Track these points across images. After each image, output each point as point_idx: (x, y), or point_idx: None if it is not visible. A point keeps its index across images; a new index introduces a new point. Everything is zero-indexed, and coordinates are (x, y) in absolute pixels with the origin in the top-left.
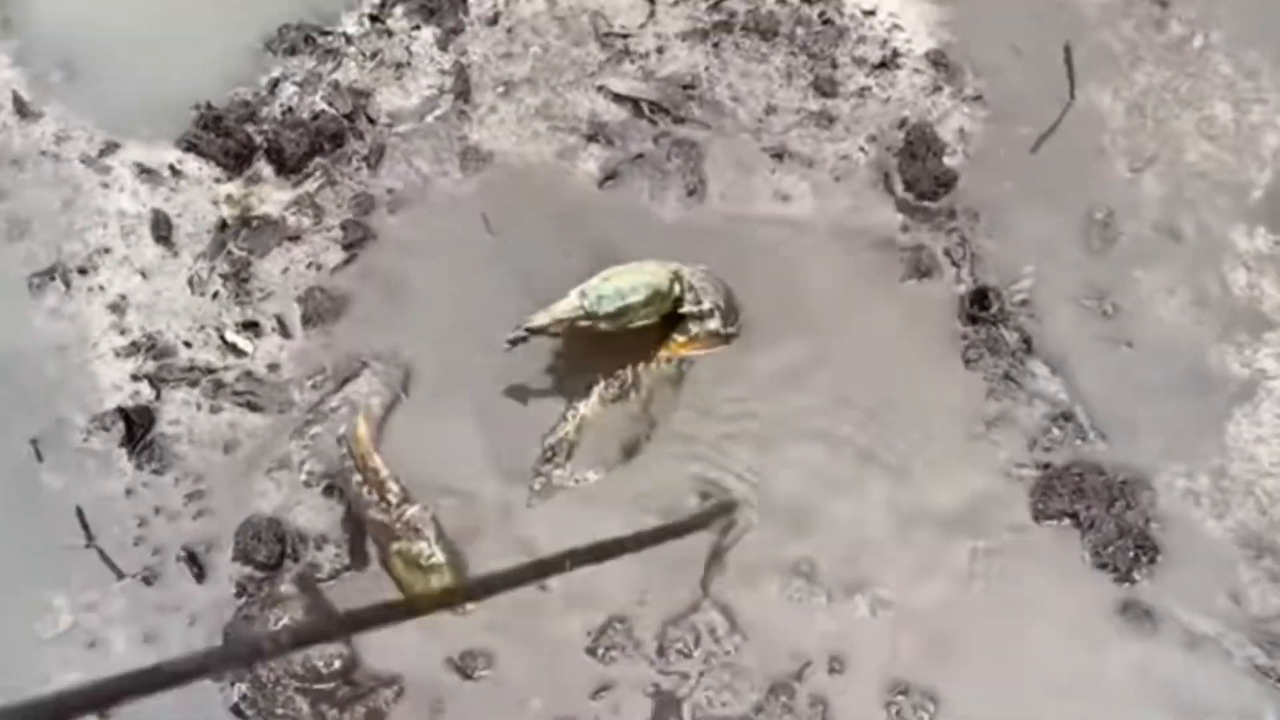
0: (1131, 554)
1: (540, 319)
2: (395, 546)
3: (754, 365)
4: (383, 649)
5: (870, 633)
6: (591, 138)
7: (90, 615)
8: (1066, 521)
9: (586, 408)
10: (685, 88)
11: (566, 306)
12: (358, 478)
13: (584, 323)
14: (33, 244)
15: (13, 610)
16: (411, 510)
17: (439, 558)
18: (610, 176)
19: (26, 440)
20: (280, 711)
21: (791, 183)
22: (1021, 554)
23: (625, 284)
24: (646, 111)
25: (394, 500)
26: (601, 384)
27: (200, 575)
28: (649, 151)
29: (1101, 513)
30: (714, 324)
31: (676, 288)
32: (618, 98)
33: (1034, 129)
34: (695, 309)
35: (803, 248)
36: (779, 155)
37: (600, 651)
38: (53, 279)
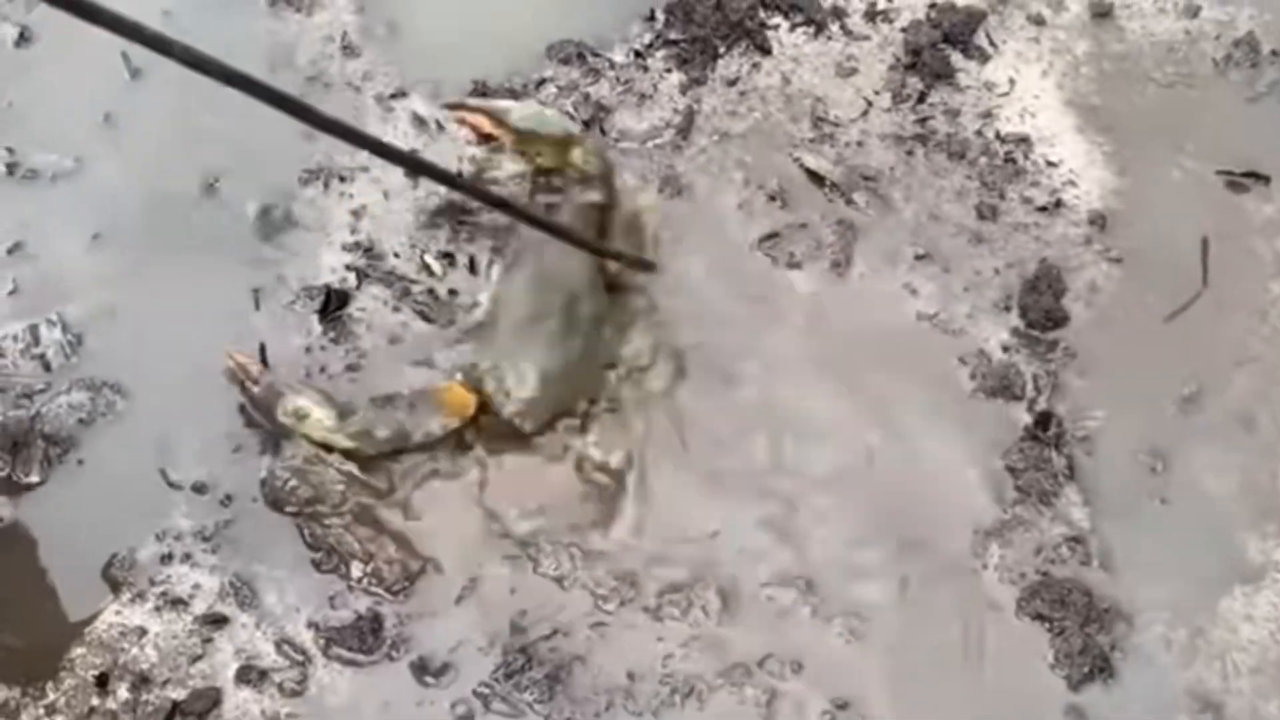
0: (1087, 669)
1: (474, 103)
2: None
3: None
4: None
5: (837, 652)
6: (771, 198)
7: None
8: (1042, 623)
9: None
10: (866, 179)
11: (498, 106)
12: None
13: (496, 128)
14: (314, 148)
15: (191, 409)
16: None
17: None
18: (773, 235)
19: (250, 288)
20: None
21: (923, 280)
22: (995, 634)
23: (550, 115)
24: (825, 188)
25: None
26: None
27: None
28: (813, 222)
29: (1075, 627)
30: (594, 195)
31: (578, 148)
32: (808, 172)
33: (1161, 300)
34: (583, 169)
35: (904, 330)
36: (923, 256)
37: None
38: (317, 178)
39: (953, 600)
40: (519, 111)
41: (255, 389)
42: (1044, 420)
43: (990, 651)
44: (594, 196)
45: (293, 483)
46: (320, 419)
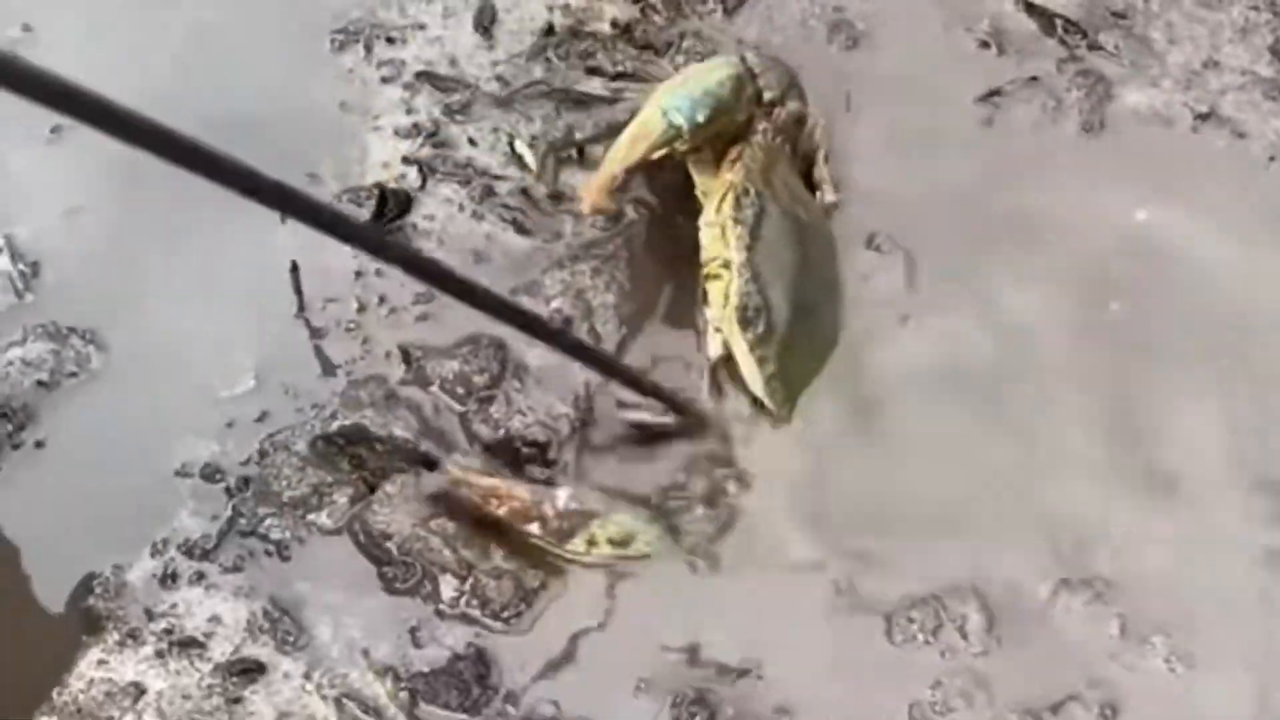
0: None
1: (619, 156)
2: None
3: None
4: None
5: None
6: (984, 44)
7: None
8: None
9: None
10: (1115, 14)
11: (652, 131)
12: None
13: (661, 151)
14: (351, 1)
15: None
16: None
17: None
18: (994, 93)
19: None
20: None
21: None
22: None
23: (709, 81)
24: (1060, 30)
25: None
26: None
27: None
28: (1047, 76)
29: None
30: (795, 105)
31: (748, 77)
32: (1030, 7)
33: None
34: (774, 93)
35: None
36: (1205, 116)
37: None
38: (357, 40)
39: None
40: (678, 103)
41: (537, 525)
42: None
43: None
44: (793, 109)
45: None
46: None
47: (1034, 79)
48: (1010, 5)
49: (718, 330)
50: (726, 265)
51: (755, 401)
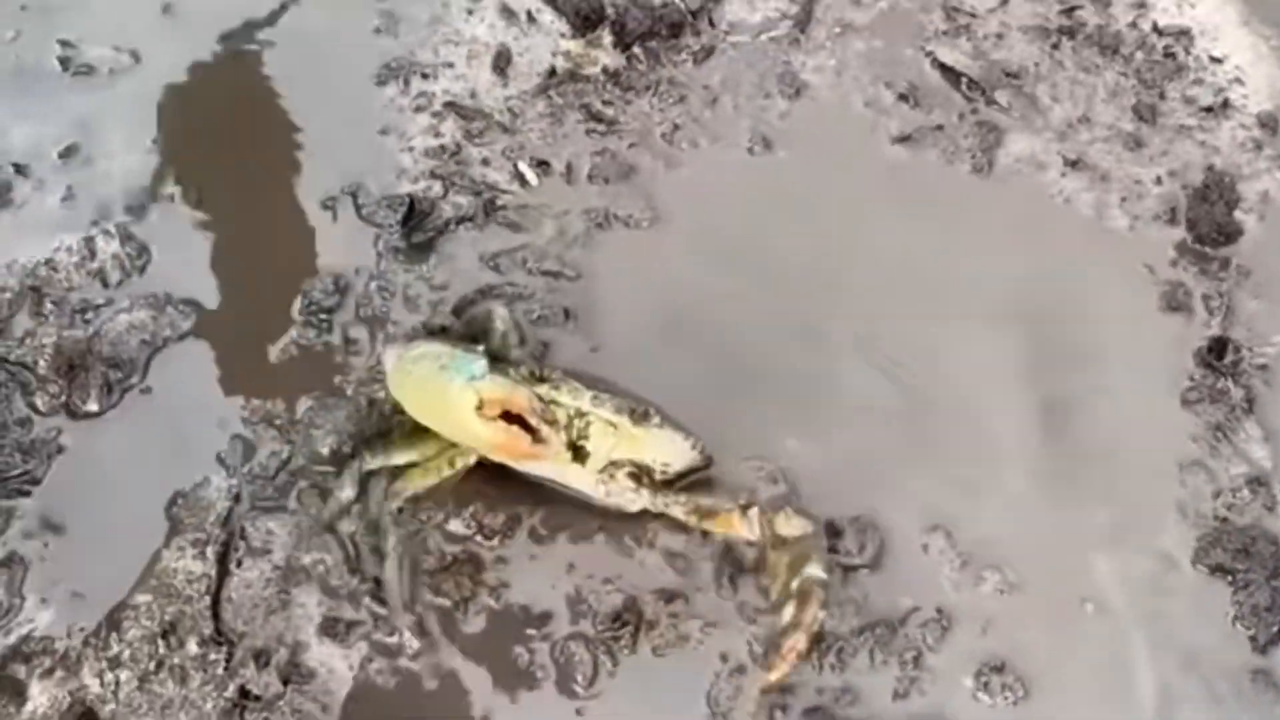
0: (1276, 628)
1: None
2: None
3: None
4: None
5: (988, 607)
6: (903, 97)
7: None
8: (1222, 576)
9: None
10: (1009, 75)
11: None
12: None
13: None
14: (394, 43)
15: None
16: None
17: None
18: (905, 138)
19: (324, 197)
20: None
21: (1077, 190)
22: (1167, 588)
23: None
24: (964, 87)
25: None
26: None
27: None
28: (950, 125)
29: (1260, 579)
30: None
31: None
32: (942, 67)
33: None
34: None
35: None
36: (1074, 163)
37: None
38: (398, 76)
39: (1117, 555)
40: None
41: None
42: (1220, 347)
43: (1159, 612)
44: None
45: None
46: None
47: (939, 127)
48: (926, 65)
49: None
50: None
51: None
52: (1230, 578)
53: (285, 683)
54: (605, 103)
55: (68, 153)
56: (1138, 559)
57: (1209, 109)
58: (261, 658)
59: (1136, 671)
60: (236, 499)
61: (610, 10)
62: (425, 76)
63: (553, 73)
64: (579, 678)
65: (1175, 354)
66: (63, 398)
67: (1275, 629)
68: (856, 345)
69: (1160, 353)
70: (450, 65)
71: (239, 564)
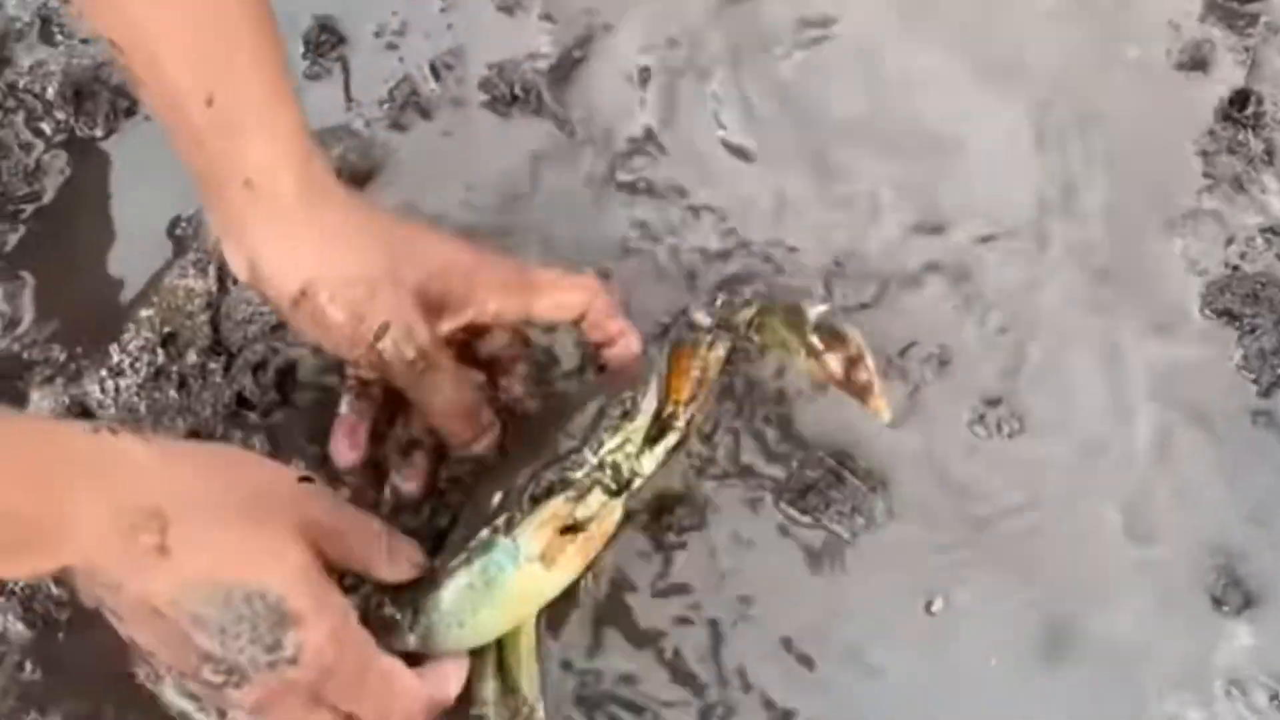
0: None
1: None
2: None
3: None
4: None
5: (987, 342)
6: None
7: None
8: (1229, 321)
9: None
10: None
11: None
12: None
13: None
14: None
15: None
16: None
17: None
18: None
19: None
20: None
21: None
22: (1172, 333)
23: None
24: None
25: None
26: None
27: None
28: None
29: (1268, 324)
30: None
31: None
32: None
33: None
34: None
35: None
36: None
37: None
38: None
39: (1124, 303)
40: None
41: None
42: (1242, 98)
43: (1163, 357)
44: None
45: None
46: None
47: None
48: None
49: None
50: None
51: None
52: (1237, 323)
53: (282, 394)
54: None
55: None
56: (1144, 304)
57: None
58: (260, 370)
59: (1136, 412)
60: None
61: None
62: None
63: None
64: None
65: (1196, 109)
66: (69, 123)
67: (1278, 372)
68: None
69: (1180, 107)
70: None
71: (236, 281)
